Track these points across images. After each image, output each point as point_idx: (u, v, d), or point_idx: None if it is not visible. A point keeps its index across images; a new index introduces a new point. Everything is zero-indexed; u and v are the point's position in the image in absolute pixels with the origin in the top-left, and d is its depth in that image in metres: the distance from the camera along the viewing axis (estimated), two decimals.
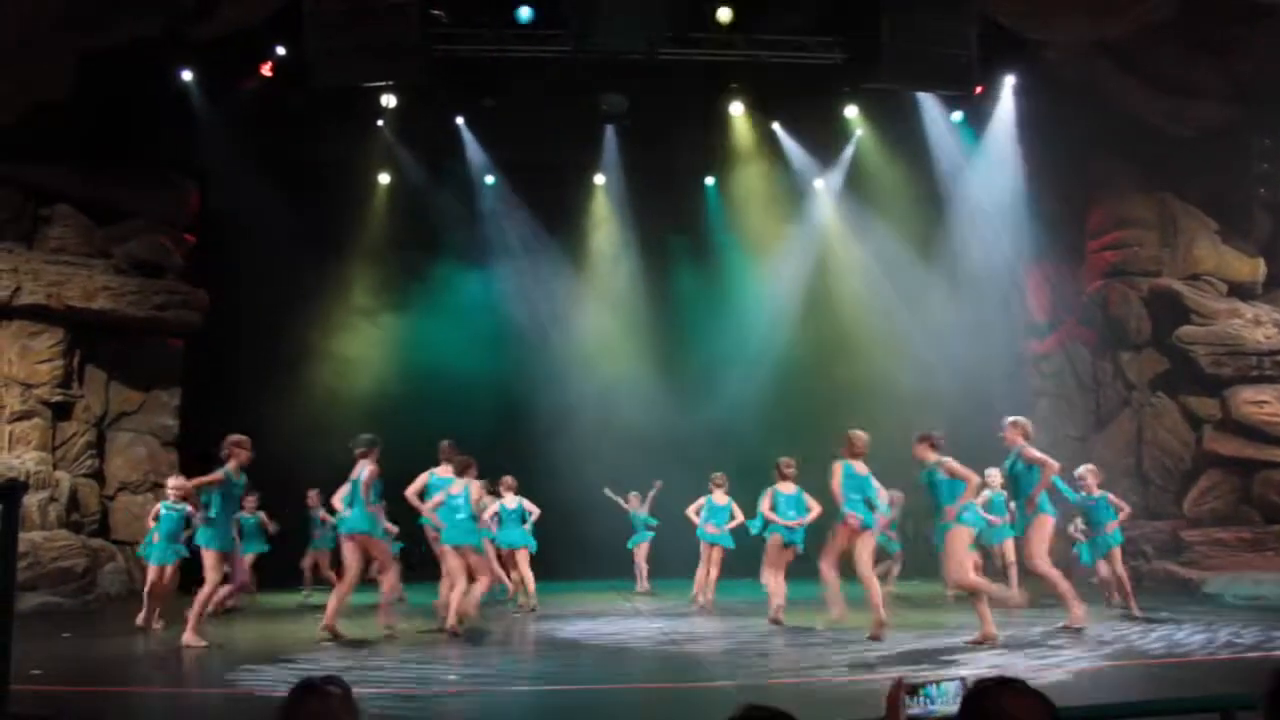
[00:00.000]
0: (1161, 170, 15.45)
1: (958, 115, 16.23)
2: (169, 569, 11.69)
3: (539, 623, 12.10)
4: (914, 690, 2.66)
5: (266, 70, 14.91)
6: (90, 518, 14.49)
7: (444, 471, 11.38)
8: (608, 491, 15.65)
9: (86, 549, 13.84)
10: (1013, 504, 12.09)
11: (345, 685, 2.62)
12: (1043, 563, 10.24)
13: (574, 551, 15.72)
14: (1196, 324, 14.86)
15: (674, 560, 15.36)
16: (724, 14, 13.94)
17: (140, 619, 11.52)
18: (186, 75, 14.71)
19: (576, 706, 7.71)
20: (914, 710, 2.65)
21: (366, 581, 11.31)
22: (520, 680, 8.63)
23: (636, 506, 15.59)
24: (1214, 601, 12.89)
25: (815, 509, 11.50)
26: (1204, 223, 15.52)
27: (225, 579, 10.80)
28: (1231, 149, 15.00)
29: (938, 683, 2.66)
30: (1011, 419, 10.75)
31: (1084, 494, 11.81)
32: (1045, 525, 10.34)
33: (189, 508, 11.63)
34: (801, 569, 11.77)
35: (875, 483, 10.55)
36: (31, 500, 13.24)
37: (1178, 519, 14.77)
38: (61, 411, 14.50)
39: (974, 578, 9.88)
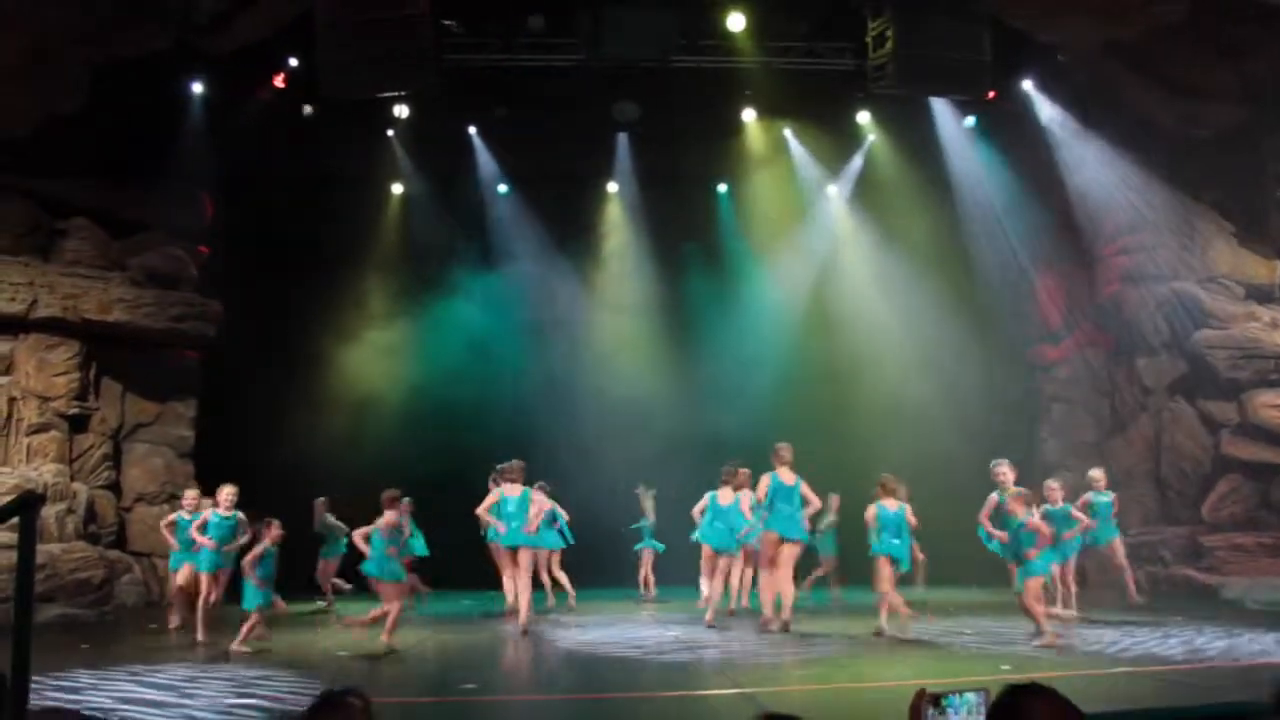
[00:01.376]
0: (1176, 172, 15.39)
1: (970, 120, 16.19)
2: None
3: (554, 630, 12.08)
4: (937, 700, 2.63)
5: (279, 82, 14.97)
6: (107, 529, 14.54)
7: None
8: (640, 491, 15.58)
9: (104, 560, 13.88)
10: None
11: (365, 696, 2.62)
12: None
13: (587, 557, 15.65)
14: (1214, 327, 14.77)
15: (685, 567, 15.30)
16: (735, 21, 13.93)
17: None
18: (200, 87, 14.78)
19: (594, 715, 7.69)
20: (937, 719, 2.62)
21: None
22: (537, 688, 8.61)
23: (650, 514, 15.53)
24: (1233, 607, 12.81)
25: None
26: (1220, 225, 15.43)
27: None
28: (1246, 150, 14.91)
29: (960, 692, 2.64)
30: None
31: (1048, 505, 11.83)
32: None
33: (240, 514, 11.81)
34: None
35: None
36: (49, 512, 13.30)
37: (1196, 524, 14.67)
38: (78, 424, 14.56)
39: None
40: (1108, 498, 12.72)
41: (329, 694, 2.62)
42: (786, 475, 11.30)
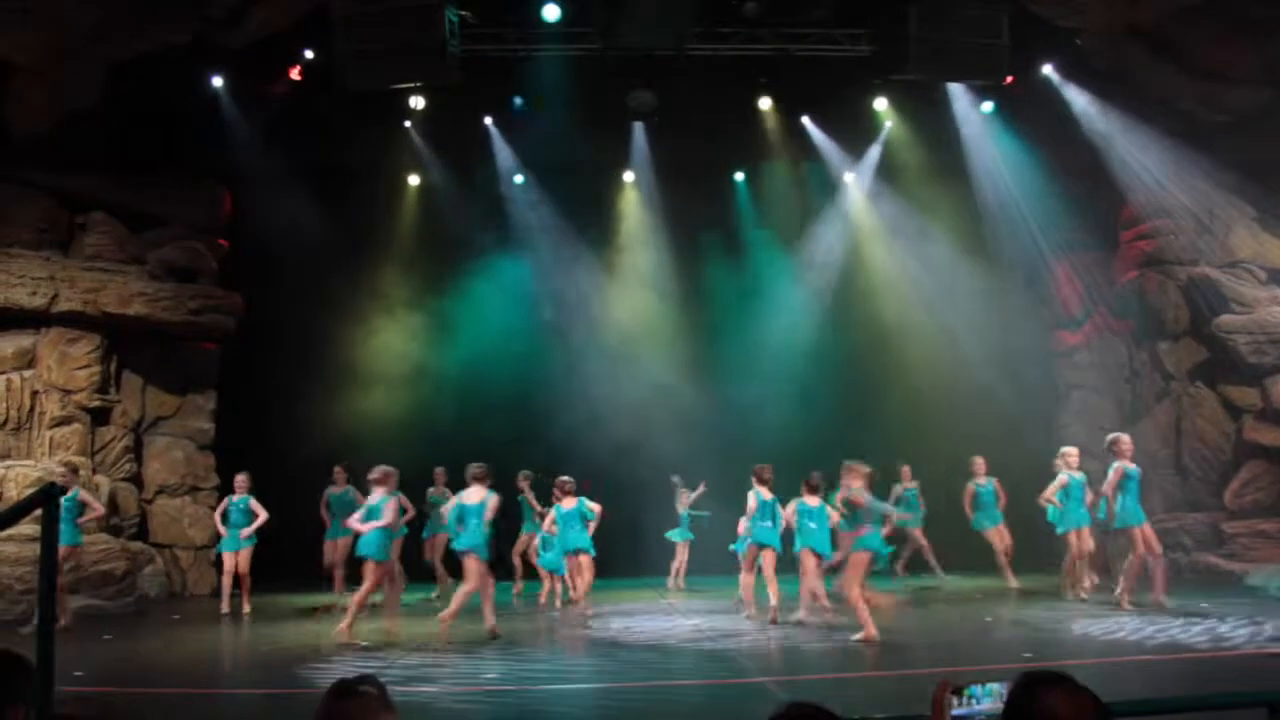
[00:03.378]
0: (1197, 157, 15.22)
1: (989, 105, 16.07)
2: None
3: (578, 620, 12.10)
4: (959, 690, 2.62)
5: (295, 74, 14.98)
6: (129, 521, 14.65)
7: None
8: (676, 479, 15.59)
9: (126, 552, 13.98)
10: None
11: (380, 685, 2.62)
12: None
13: (608, 547, 15.64)
14: (1236, 312, 14.64)
15: (709, 559, 15.28)
16: (751, 8, 13.87)
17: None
18: (217, 81, 14.82)
19: (618, 703, 7.70)
20: (959, 710, 2.62)
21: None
22: (560, 678, 8.63)
23: (686, 504, 15.50)
24: (1256, 594, 12.71)
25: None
26: (1241, 210, 15.28)
27: None
28: (1268, 133, 14.73)
29: (983, 682, 2.63)
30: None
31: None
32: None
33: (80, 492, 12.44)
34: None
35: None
36: None
37: (1218, 511, 14.57)
38: (100, 417, 14.66)
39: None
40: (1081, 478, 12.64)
41: (342, 683, 2.62)
42: (766, 492, 11.89)
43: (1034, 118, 15.71)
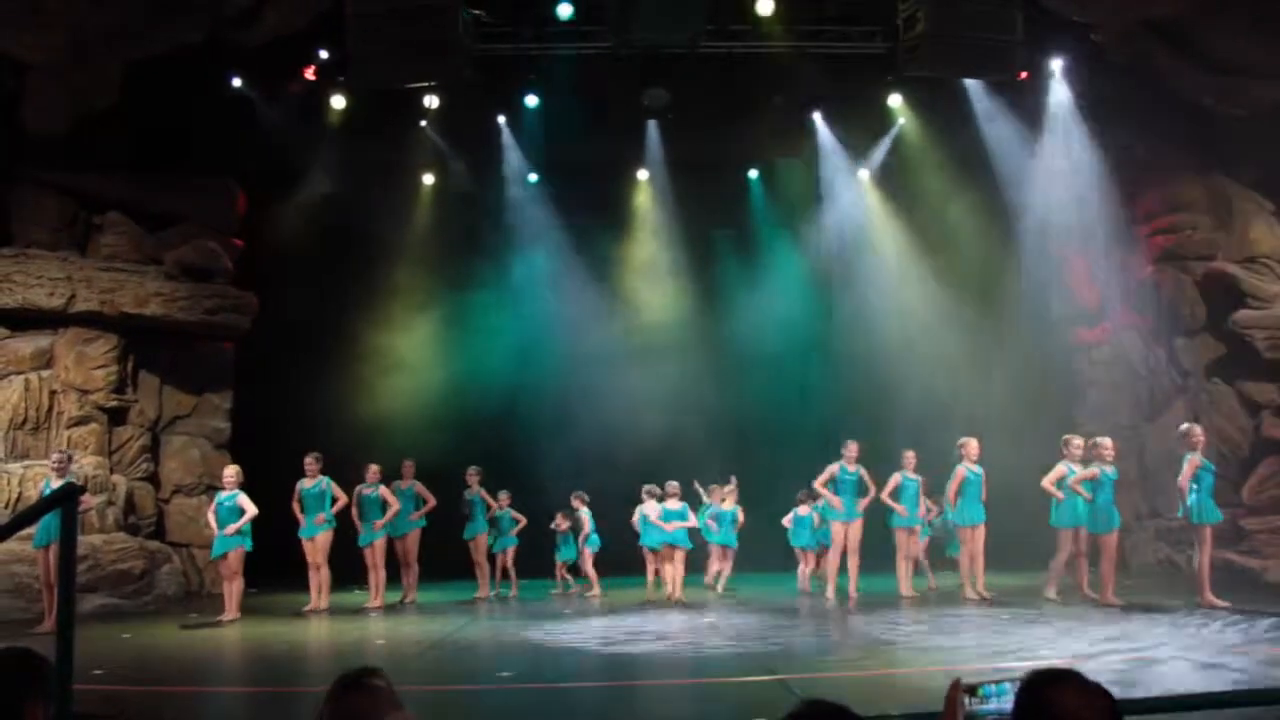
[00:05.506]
0: (1214, 152, 15.13)
1: (1002, 101, 16.00)
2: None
3: (593, 618, 12.12)
4: (972, 689, 2.62)
5: (310, 74, 15.03)
6: (147, 520, 14.73)
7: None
8: (696, 485, 15.36)
9: (144, 551, 14.06)
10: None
11: (387, 678, 2.61)
12: None
13: (620, 547, 15.64)
14: (1253, 308, 14.56)
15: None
16: (764, 6, 13.85)
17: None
18: (232, 81, 14.87)
19: (631, 700, 7.71)
20: (972, 708, 2.61)
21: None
22: (574, 675, 8.64)
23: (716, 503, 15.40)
24: (1276, 591, 12.64)
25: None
26: (1259, 204, 15.20)
27: None
28: None
29: (996, 682, 2.63)
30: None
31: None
32: None
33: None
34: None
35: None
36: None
37: (1236, 507, 14.48)
38: (117, 416, 14.74)
39: None
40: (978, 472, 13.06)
41: (347, 677, 2.60)
42: (673, 504, 13.76)
43: (1048, 112, 15.65)
